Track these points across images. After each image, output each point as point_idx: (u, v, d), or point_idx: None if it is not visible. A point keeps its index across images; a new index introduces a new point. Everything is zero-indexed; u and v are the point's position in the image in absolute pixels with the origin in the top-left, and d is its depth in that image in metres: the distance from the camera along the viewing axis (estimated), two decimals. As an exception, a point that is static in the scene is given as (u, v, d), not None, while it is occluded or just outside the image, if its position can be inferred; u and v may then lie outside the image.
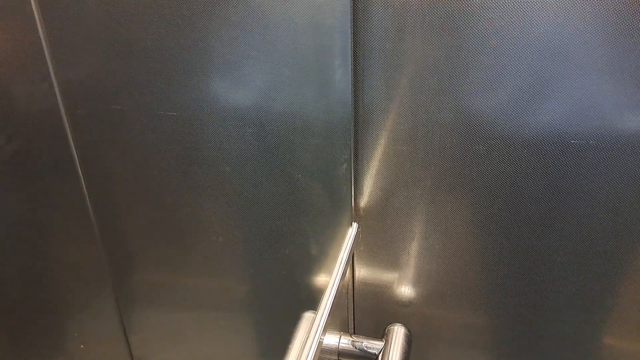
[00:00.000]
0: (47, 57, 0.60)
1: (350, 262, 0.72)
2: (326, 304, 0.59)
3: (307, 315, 0.60)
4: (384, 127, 0.63)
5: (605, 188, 0.59)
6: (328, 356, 0.65)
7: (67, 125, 0.64)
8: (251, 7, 0.53)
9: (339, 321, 0.71)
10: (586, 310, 0.68)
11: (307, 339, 0.56)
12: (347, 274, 0.72)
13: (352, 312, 0.78)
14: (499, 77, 0.56)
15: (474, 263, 0.68)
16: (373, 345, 0.66)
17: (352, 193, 0.68)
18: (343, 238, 0.68)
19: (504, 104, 0.58)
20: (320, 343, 0.56)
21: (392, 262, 0.72)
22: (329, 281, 0.62)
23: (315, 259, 0.66)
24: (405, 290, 0.74)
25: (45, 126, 0.64)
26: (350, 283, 0.75)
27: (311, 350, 0.54)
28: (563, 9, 0.52)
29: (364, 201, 0.69)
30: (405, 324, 0.70)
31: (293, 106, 0.58)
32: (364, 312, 0.78)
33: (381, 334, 0.70)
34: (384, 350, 0.66)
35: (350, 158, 0.64)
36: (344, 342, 0.66)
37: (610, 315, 0.67)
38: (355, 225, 0.70)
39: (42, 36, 0.59)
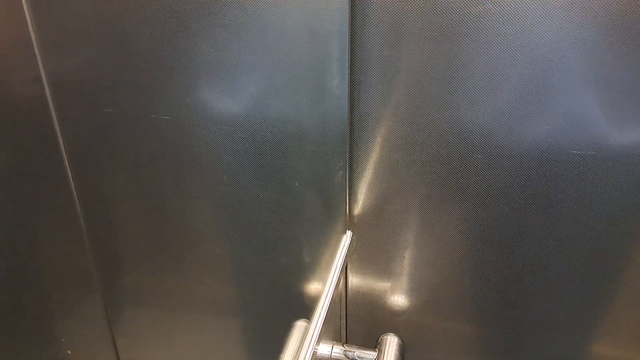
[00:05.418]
0: (39, 59, 0.59)
1: (344, 270, 0.72)
2: (320, 313, 0.58)
3: (300, 324, 0.59)
4: (380, 134, 0.62)
5: (604, 198, 0.59)
6: (320, 365, 0.64)
7: (57, 128, 0.63)
8: (247, 11, 0.52)
9: (332, 330, 0.71)
10: (580, 319, 0.67)
11: (300, 348, 0.55)
12: (340, 282, 0.71)
13: (345, 321, 0.77)
14: (497, 86, 0.56)
15: (468, 272, 0.68)
16: (366, 355, 0.66)
17: (347, 201, 0.67)
18: (337, 246, 0.67)
19: (502, 113, 0.57)
20: (314, 353, 0.55)
21: (386, 270, 0.71)
22: (323, 290, 0.61)
23: (309, 267, 0.66)
24: (399, 299, 0.73)
25: (35, 128, 0.62)
26: (344, 291, 0.75)
27: (305, 360, 0.53)
28: (563, 19, 0.52)
29: (358, 209, 0.68)
30: (398, 334, 0.70)
31: (288, 112, 0.57)
32: (357, 321, 0.77)
33: (374, 343, 0.69)
34: (377, 360, 0.65)
35: (346, 165, 0.64)
36: (337, 351, 0.66)
37: (603, 323, 0.67)
38: (349, 233, 0.69)
39: (33, 37, 0.57)
